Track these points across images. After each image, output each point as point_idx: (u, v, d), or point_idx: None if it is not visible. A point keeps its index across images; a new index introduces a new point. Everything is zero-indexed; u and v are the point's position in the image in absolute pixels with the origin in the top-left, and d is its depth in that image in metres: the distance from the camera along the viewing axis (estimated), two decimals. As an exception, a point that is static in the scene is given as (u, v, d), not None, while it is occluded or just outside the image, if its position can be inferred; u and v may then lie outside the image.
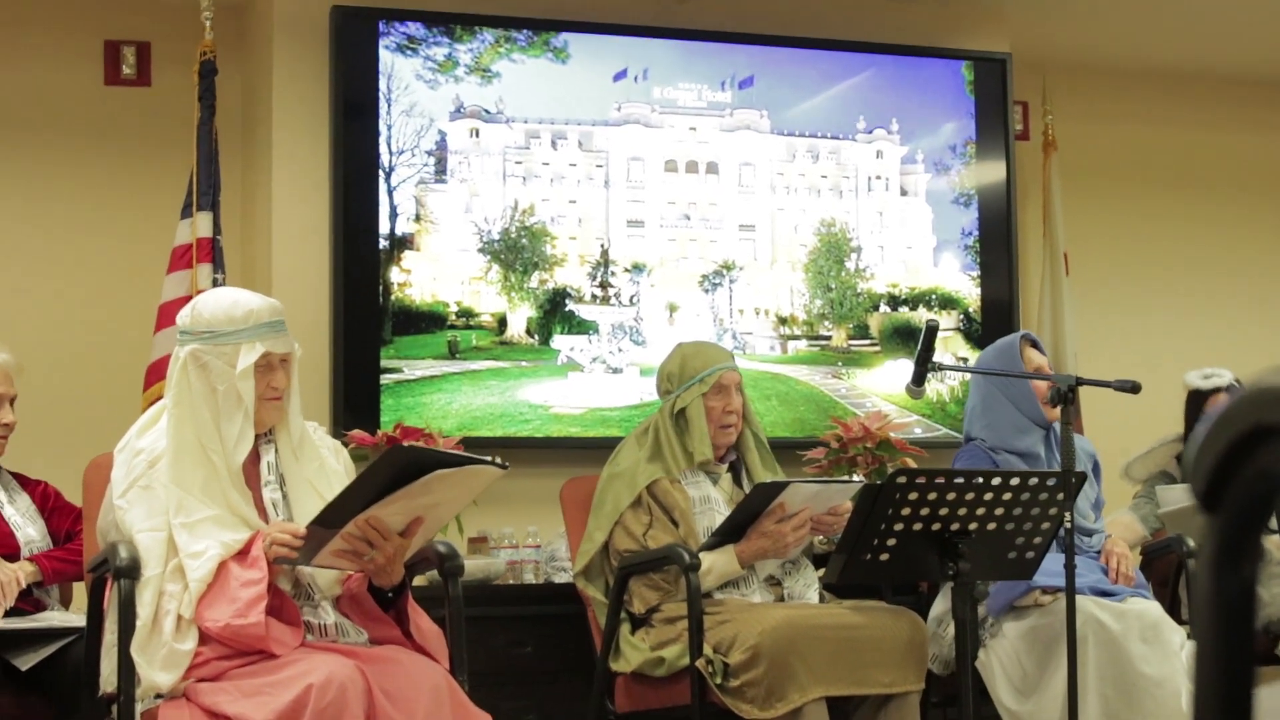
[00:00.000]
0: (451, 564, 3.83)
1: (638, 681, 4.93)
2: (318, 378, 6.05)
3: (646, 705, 4.97)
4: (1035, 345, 5.32)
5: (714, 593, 4.92)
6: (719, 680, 4.65)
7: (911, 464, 6.10)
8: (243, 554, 3.56)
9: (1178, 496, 6.38)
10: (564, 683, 5.51)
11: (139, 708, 3.48)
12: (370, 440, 5.66)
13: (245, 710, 3.32)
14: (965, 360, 6.84)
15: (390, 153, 6.09)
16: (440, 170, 6.19)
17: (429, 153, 6.16)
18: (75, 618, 4.52)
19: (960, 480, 4.52)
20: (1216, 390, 6.66)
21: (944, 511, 4.51)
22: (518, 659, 5.49)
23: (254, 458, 3.78)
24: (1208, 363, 7.44)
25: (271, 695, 3.32)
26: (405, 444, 3.49)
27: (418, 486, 3.52)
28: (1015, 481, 4.53)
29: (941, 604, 5.20)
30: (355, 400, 6.03)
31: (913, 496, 4.48)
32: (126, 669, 3.47)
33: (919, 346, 4.88)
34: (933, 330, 4.90)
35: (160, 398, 5.84)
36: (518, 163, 6.29)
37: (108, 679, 3.58)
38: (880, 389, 6.74)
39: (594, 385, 6.34)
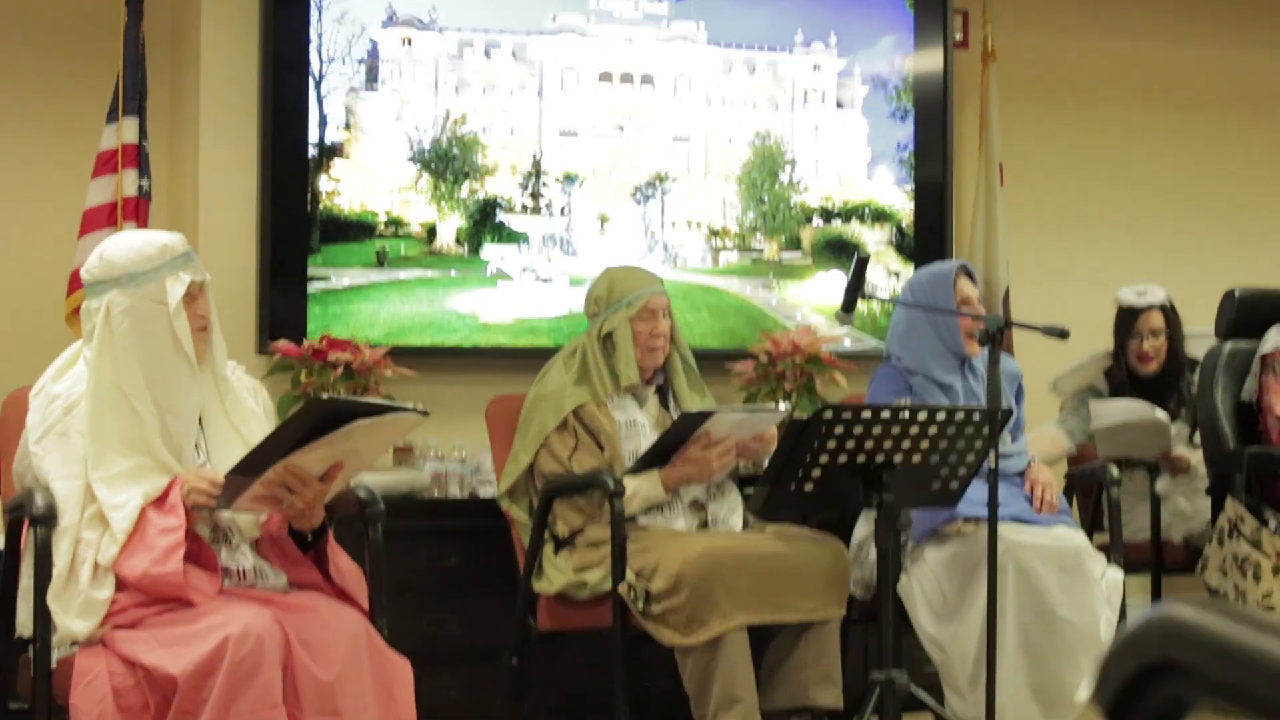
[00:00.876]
0: (372, 510, 3.81)
1: (560, 602, 4.96)
2: (244, 286, 6.00)
3: (569, 625, 5.00)
4: (970, 276, 5.31)
5: (638, 518, 4.94)
6: (640, 606, 4.68)
7: (840, 379, 6.12)
8: (160, 500, 3.53)
9: (1111, 412, 6.41)
10: (487, 596, 5.52)
11: (55, 655, 3.46)
12: (296, 351, 5.63)
13: (161, 661, 3.30)
14: (897, 274, 6.85)
15: (321, 60, 6.00)
16: (371, 78, 6.10)
17: (360, 61, 6.07)
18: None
19: (886, 415, 4.54)
20: (1149, 308, 6.67)
21: (869, 445, 4.54)
22: (441, 573, 5.50)
23: None
24: (1141, 278, 7.48)
25: (188, 646, 3.30)
26: (325, 396, 3.46)
27: (338, 435, 3.50)
28: (941, 416, 4.56)
29: (864, 527, 5.23)
30: (282, 309, 5.97)
31: (839, 431, 4.51)
32: (43, 618, 3.44)
33: (850, 276, 4.89)
34: (863, 262, 4.91)
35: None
36: (450, 71, 6.21)
37: (24, 624, 3.55)
38: (811, 301, 6.74)
39: (523, 295, 6.31)
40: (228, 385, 3.82)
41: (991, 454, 4.46)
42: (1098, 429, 6.38)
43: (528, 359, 6.27)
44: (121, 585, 3.46)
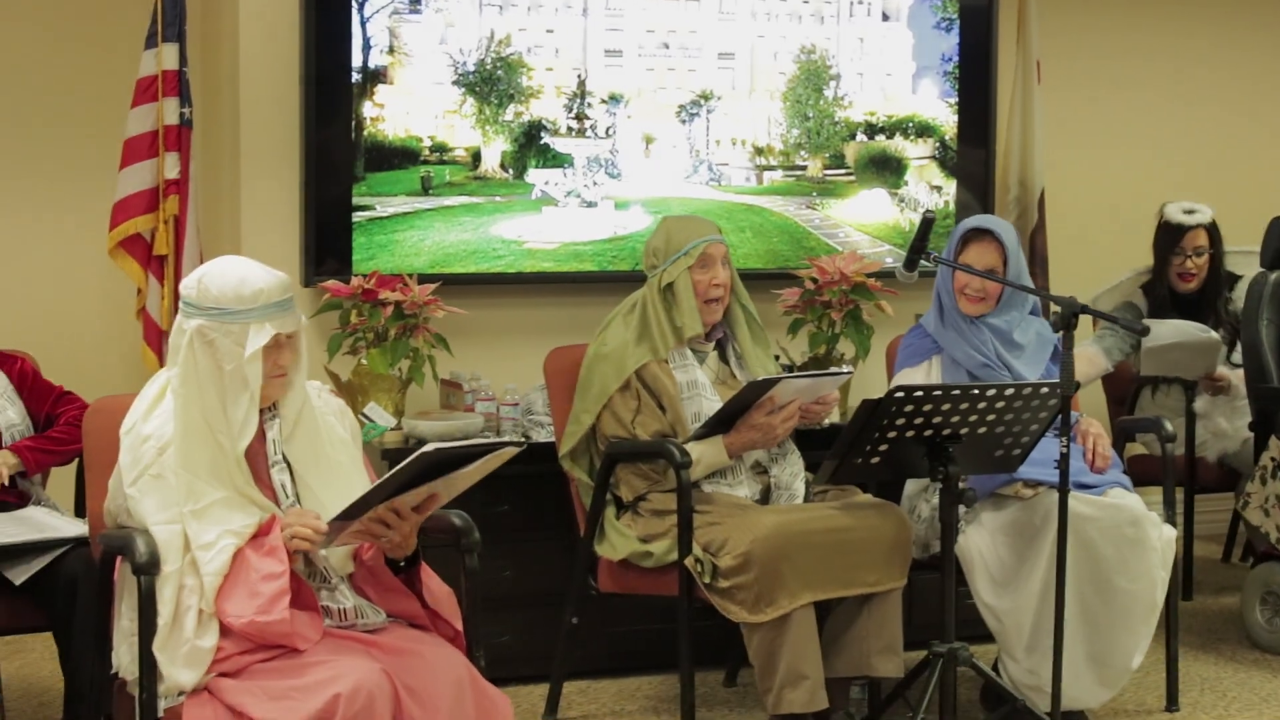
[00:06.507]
0: (468, 540, 3.79)
1: (624, 567, 4.96)
2: (289, 216, 5.92)
3: (630, 589, 5.01)
4: (991, 236, 5.18)
5: (701, 483, 4.93)
6: (708, 580, 4.69)
7: (886, 307, 6.08)
8: (259, 539, 3.50)
9: (1161, 334, 6.40)
10: (541, 543, 5.54)
11: (162, 704, 3.45)
12: (345, 290, 5.57)
13: (272, 715, 3.28)
14: (939, 189, 6.78)
15: (363, -16, 5.86)
16: (414, 0, 5.96)
17: (403, -17, 5.93)
18: (65, 524, 4.47)
19: (957, 392, 4.52)
20: (1195, 226, 6.62)
21: (937, 420, 4.53)
22: (495, 518, 5.49)
23: (260, 436, 3.67)
24: (1179, 181, 7.43)
25: (298, 701, 3.29)
26: (433, 447, 3.38)
27: (440, 481, 3.48)
28: (1010, 392, 4.55)
29: (914, 483, 5.23)
30: (327, 238, 5.88)
31: (908, 409, 4.49)
32: (148, 667, 3.42)
33: (915, 235, 4.87)
34: (928, 222, 4.86)
35: (127, 236, 5.75)
36: (494, -8, 6.08)
37: (127, 667, 3.53)
38: (854, 219, 6.67)
39: (568, 219, 6.23)
40: (314, 420, 3.76)
41: (1062, 442, 4.44)
42: (1147, 348, 6.36)
43: (573, 284, 6.24)
44: (225, 631, 3.43)
